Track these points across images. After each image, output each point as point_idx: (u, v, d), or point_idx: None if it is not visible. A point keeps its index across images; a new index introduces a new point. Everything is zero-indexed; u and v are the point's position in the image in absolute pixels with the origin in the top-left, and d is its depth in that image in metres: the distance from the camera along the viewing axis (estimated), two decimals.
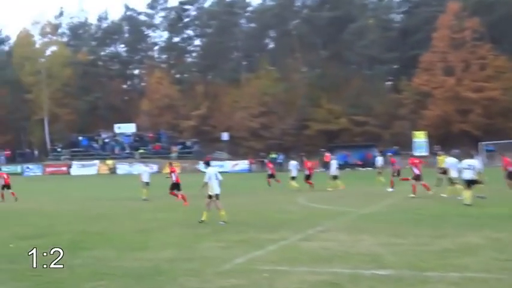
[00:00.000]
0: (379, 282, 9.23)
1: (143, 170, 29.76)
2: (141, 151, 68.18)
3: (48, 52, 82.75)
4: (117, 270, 10.70)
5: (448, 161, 24.62)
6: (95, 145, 72.46)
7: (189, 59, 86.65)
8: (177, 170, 28.98)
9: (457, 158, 24.42)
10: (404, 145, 56.26)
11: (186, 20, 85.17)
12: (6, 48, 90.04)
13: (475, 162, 21.19)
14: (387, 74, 72.43)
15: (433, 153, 43.89)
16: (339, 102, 66.81)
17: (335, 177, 31.74)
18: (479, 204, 20.02)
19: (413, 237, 13.50)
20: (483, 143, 53.80)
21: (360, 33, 68.62)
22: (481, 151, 49.90)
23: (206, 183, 17.47)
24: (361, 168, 56.32)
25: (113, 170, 64.75)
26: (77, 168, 66.17)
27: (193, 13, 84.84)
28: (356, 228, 15.45)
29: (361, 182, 37.08)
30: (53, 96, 78.19)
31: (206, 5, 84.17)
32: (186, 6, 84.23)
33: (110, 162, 65.75)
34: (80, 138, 73.90)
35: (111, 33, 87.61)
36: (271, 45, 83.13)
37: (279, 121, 67.44)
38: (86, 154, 70.46)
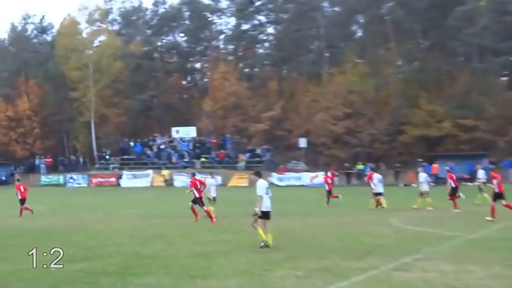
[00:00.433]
0: None
1: (209, 183, 29.14)
2: (202, 160, 68.95)
3: (96, 42, 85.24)
4: None
5: None
6: (149, 152, 73.64)
7: (261, 50, 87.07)
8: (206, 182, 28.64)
9: None
10: None
11: (258, 3, 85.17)
12: (48, 38, 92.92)
13: None
14: (502, 68, 70.66)
15: None
16: (441, 102, 65.68)
17: (423, 194, 31.66)
18: None
19: None
20: None
21: (468, 18, 67.15)
22: None
23: (261, 198, 17.42)
24: (469, 183, 55.15)
25: (169, 182, 65.58)
26: (128, 179, 67.54)
27: None
28: (462, 256, 15.19)
29: (467, 199, 36.32)
30: (101, 94, 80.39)
31: None
32: None
33: (165, 172, 66.68)
34: (132, 143, 75.43)
35: (169, 19, 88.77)
36: (359, 33, 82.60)
37: (367, 125, 66.81)
38: (139, 163, 71.92)
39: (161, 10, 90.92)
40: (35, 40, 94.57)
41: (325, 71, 74.76)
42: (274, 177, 61.30)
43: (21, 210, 30.33)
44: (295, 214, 29.07)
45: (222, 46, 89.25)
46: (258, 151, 70.28)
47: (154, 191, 58.42)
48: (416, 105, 66.11)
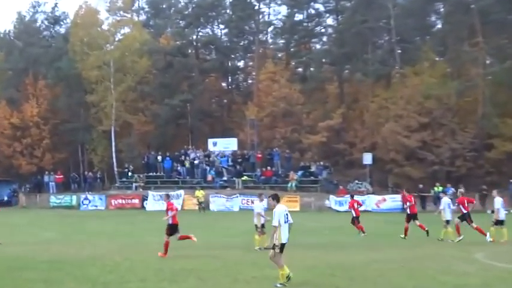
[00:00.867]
0: None
1: (257, 206, 28.98)
2: (244, 178, 69.12)
3: (118, 36, 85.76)
4: None
5: None
6: (180, 168, 73.79)
7: (317, 46, 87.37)
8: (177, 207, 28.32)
9: None
10: None
11: None
12: (61, 30, 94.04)
13: None
14: None
15: None
16: None
17: (499, 223, 31.34)
18: None
19: None
20: None
21: None
22: None
23: (277, 228, 17.54)
24: None
25: (204, 205, 65.76)
26: (154, 202, 67.51)
27: None
28: None
29: None
30: (123, 98, 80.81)
31: None
32: None
33: (200, 193, 66.83)
34: (159, 158, 75.40)
35: (206, 9, 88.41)
36: (439, 26, 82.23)
37: (448, 138, 66.42)
38: (167, 181, 72.14)
39: None
40: (45, 33, 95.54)
41: (396, 71, 74.62)
42: (332, 201, 61.07)
43: None
44: (357, 246, 29.08)
45: (270, 41, 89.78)
46: (313, 168, 69.71)
47: (185, 215, 58.43)
48: (509, 113, 65.54)
